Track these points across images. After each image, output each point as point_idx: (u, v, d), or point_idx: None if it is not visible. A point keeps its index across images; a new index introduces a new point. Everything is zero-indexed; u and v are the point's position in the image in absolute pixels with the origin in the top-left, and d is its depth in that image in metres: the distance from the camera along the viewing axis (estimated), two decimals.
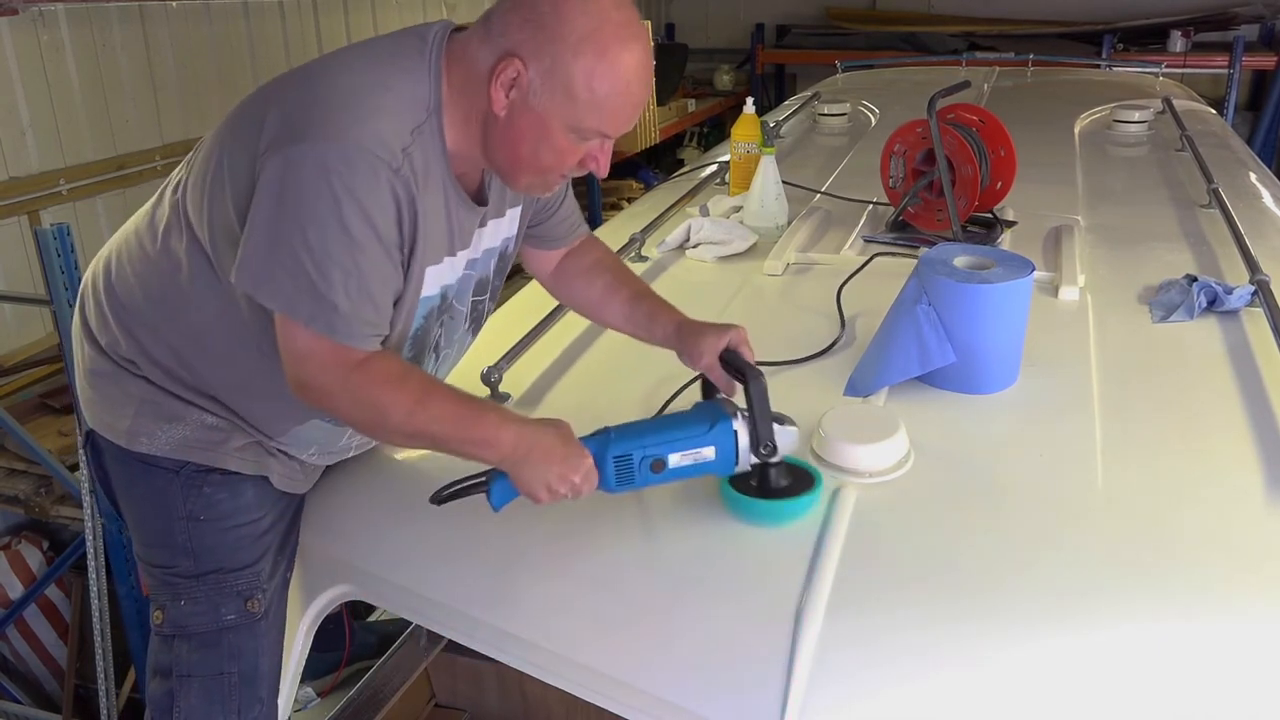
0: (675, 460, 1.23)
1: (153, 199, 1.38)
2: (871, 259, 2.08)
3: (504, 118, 1.20)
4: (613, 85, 1.18)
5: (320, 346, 1.19)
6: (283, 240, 1.14)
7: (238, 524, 1.40)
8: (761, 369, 1.30)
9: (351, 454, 1.52)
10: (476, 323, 1.51)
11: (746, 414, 1.25)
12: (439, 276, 1.33)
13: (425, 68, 1.22)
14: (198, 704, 1.40)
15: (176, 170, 1.34)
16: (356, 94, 1.17)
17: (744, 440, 1.23)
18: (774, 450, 1.24)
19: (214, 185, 1.23)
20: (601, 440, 1.23)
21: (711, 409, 1.27)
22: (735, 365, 1.32)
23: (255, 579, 1.42)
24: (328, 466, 1.53)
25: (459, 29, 1.27)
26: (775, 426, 1.24)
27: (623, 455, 1.22)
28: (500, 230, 1.45)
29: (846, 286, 1.98)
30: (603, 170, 1.29)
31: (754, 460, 1.25)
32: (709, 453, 1.24)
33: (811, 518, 1.28)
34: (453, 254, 1.34)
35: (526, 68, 1.17)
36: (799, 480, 1.30)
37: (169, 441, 1.37)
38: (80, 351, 1.44)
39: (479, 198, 1.35)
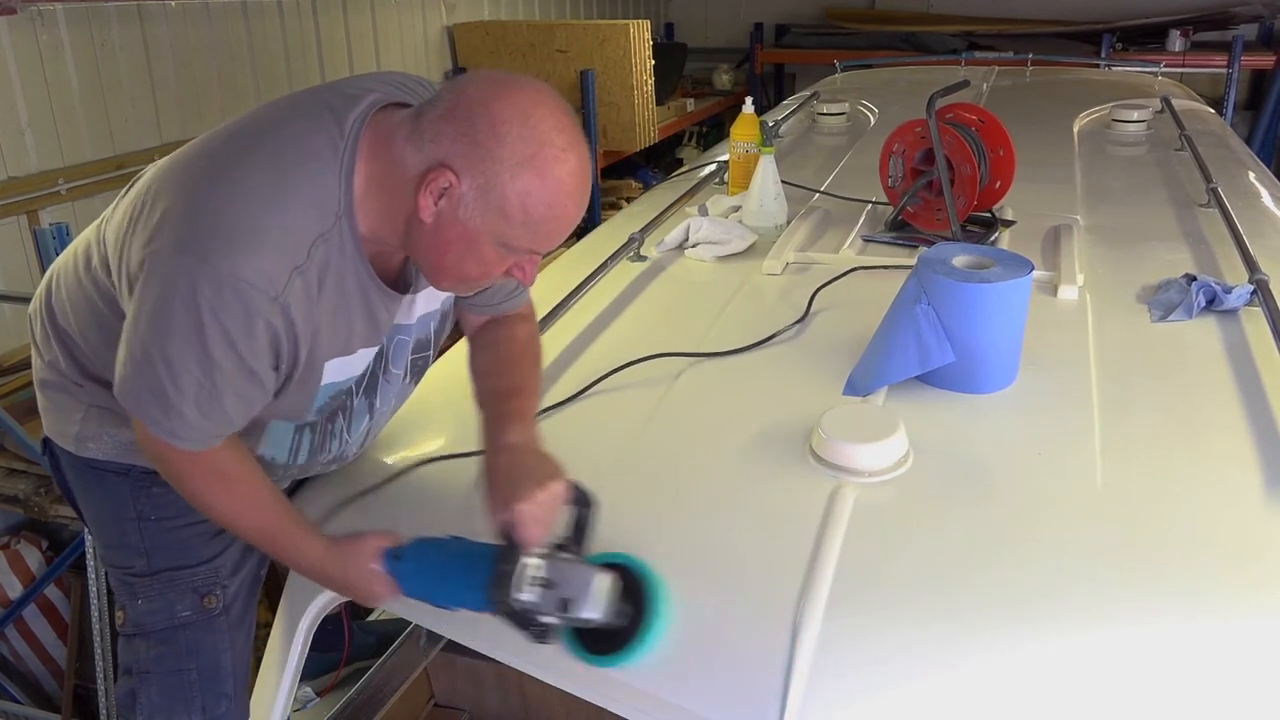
0: (457, 609, 1.24)
1: (94, 224, 1.37)
2: (850, 271, 2.08)
3: (430, 225, 1.16)
4: (548, 208, 1.15)
5: (160, 442, 1.21)
6: (143, 347, 1.15)
7: (190, 522, 1.42)
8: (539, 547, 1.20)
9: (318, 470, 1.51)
10: (418, 375, 1.50)
11: (541, 583, 1.16)
12: (350, 367, 1.32)
13: (336, 168, 1.17)
14: (159, 701, 1.43)
15: (114, 203, 1.33)
16: (247, 214, 1.13)
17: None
18: (548, 641, 1.16)
19: (124, 246, 1.22)
20: (394, 570, 1.26)
21: (497, 573, 1.16)
22: (500, 564, 1.16)
23: (213, 575, 1.44)
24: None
25: (391, 105, 1.23)
26: (555, 617, 1.15)
27: (410, 591, 1.27)
28: (437, 294, 1.42)
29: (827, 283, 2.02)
30: (528, 280, 1.26)
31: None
32: (489, 614, 1.18)
33: (812, 518, 1.28)
34: (374, 343, 1.33)
35: (459, 181, 1.13)
36: (636, 609, 1.18)
37: (115, 445, 1.40)
38: (33, 362, 1.48)
39: (399, 279, 1.32)
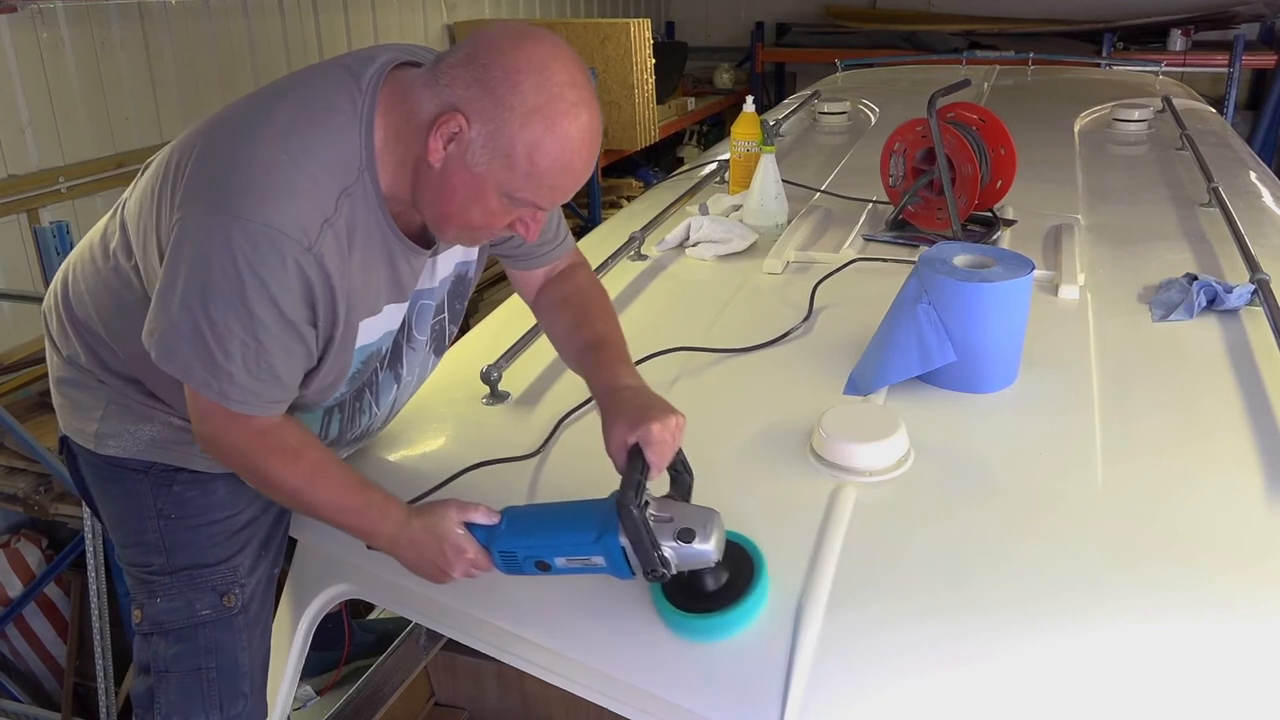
0: (562, 563, 1.18)
1: (108, 213, 1.37)
2: (850, 263, 2.09)
3: (438, 170, 1.17)
4: (554, 161, 1.15)
5: (217, 410, 1.19)
6: (184, 311, 1.14)
7: (210, 520, 1.41)
8: (674, 472, 1.21)
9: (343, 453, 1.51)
10: (439, 343, 1.51)
11: (657, 520, 1.13)
12: (381, 325, 1.32)
13: (356, 123, 1.18)
14: (177, 699, 1.42)
15: (129, 187, 1.33)
16: (275, 168, 1.14)
17: (634, 558, 1.13)
18: (663, 574, 1.12)
19: (149, 218, 1.22)
20: (491, 532, 1.20)
21: (607, 514, 1.14)
22: (631, 473, 1.15)
23: (232, 574, 1.43)
24: None
25: (406, 64, 1.24)
26: (674, 545, 1.11)
27: (507, 551, 1.20)
28: (454, 256, 1.43)
29: (828, 280, 2.02)
30: (531, 237, 1.26)
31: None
32: (599, 560, 1.15)
33: (812, 518, 1.28)
34: (400, 300, 1.33)
35: (469, 125, 1.13)
36: (737, 575, 1.16)
37: (136, 443, 1.39)
38: (50, 360, 1.47)
39: (423, 237, 1.32)
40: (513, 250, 1.48)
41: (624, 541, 1.12)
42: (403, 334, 1.39)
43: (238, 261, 1.11)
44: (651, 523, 1.11)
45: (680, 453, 1.22)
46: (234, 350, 1.15)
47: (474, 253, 1.47)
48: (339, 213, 1.17)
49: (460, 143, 1.15)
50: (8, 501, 2.95)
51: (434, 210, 1.22)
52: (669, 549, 1.11)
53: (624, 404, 1.24)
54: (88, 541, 2.78)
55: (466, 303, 1.52)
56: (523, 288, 1.54)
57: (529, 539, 1.19)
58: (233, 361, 1.15)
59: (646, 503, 1.13)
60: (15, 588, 3.12)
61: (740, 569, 1.17)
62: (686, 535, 1.12)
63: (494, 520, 1.21)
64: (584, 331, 1.42)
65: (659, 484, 1.21)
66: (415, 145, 1.18)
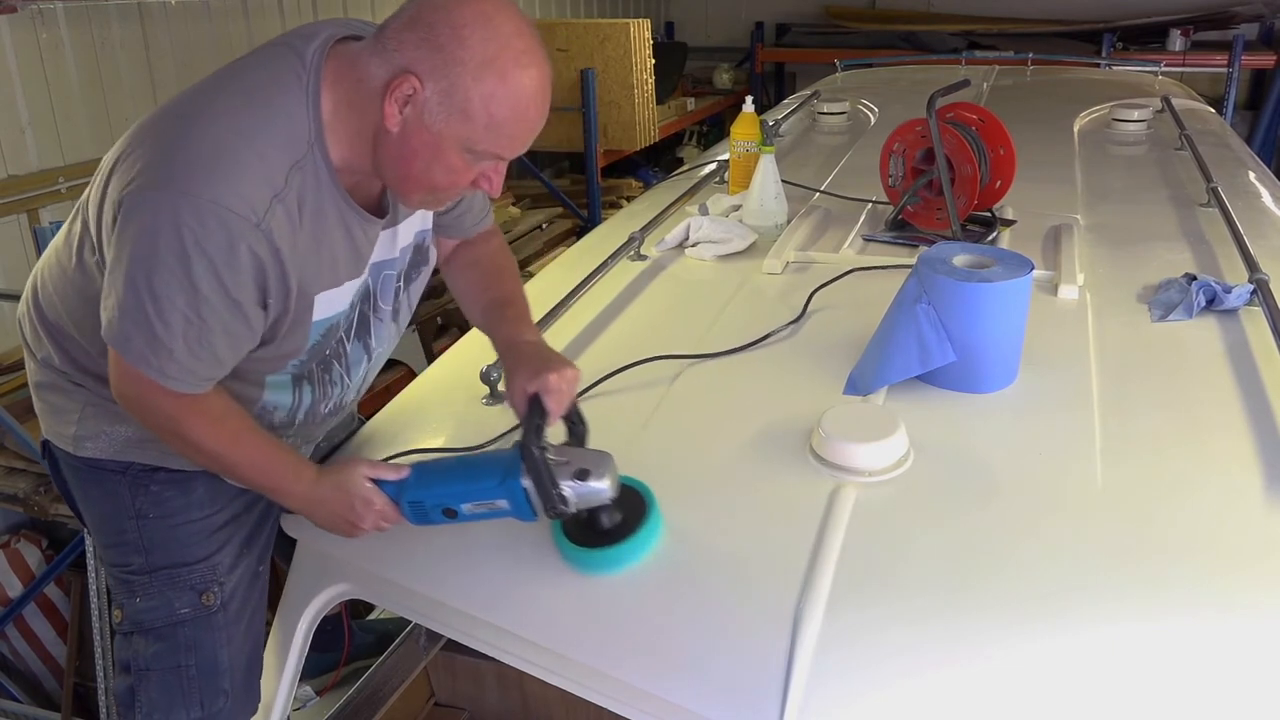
0: (469, 509, 1.26)
1: (72, 214, 1.38)
2: (848, 273, 2.08)
3: (396, 134, 1.18)
4: (511, 110, 1.17)
5: (146, 380, 1.20)
6: (128, 285, 1.15)
7: (189, 520, 1.43)
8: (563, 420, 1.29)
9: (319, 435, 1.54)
10: (404, 315, 1.53)
11: (555, 463, 1.21)
12: (340, 298, 1.33)
13: (303, 98, 1.20)
14: (158, 697, 1.44)
15: (89, 185, 1.34)
16: (223, 146, 1.15)
17: (536, 497, 1.21)
18: (563, 511, 1.20)
19: (103, 200, 1.23)
20: (400, 485, 1.28)
21: (509, 461, 1.22)
22: (530, 418, 1.26)
23: (210, 572, 1.45)
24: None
25: (348, 38, 1.25)
26: (572, 484, 1.19)
27: (416, 501, 1.27)
28: (414, 226, 1.45)
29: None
30: (495, 190, 1.28)
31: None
32: (503, 504, 1.23)
33: (812, 518, 1.28)
34: (356, 275, 1.34)
35: (423, 86, 1.15)
36: (631, 513, 1.24)
37: (113, 443, 1.40)
38: (27, 365, 1.48)
39: (379, 207, 1.33)
40: (451, 221, 1.53)
41: (526, 483, 1.20)
42: (368, 305, 1.40)
43: (184, 237, 1.12)
44: (551, 465, 1.19)
45: (575, 403, 1.29)
46: (175, 325, 1.15)
47: (430, 221, 1.49)
48: (289, 187, 1.18)
49: (416, 104, 1.16)
50: (8, 501, 2.95)
51: (397, 174, 1.23)
52: (568, 487, 1.19)
53: (525, 357, 1.33)
54: (87, 542, 2.78)
55: (429, 272, 1.54)
56: (439, 251, 1.58)
57: (436, 488, 1.27)
58: (174, 337, 1.16)
59: (545, 447, 1.21)
60: (15, 588, 3.12)
61: (634, 510, 1.24)
62: (583, 474, 1.20)
63: (402, 475, 1.28)
64: (491, 291, 1.50)
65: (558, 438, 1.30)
66: (370, 113, 1.19)
